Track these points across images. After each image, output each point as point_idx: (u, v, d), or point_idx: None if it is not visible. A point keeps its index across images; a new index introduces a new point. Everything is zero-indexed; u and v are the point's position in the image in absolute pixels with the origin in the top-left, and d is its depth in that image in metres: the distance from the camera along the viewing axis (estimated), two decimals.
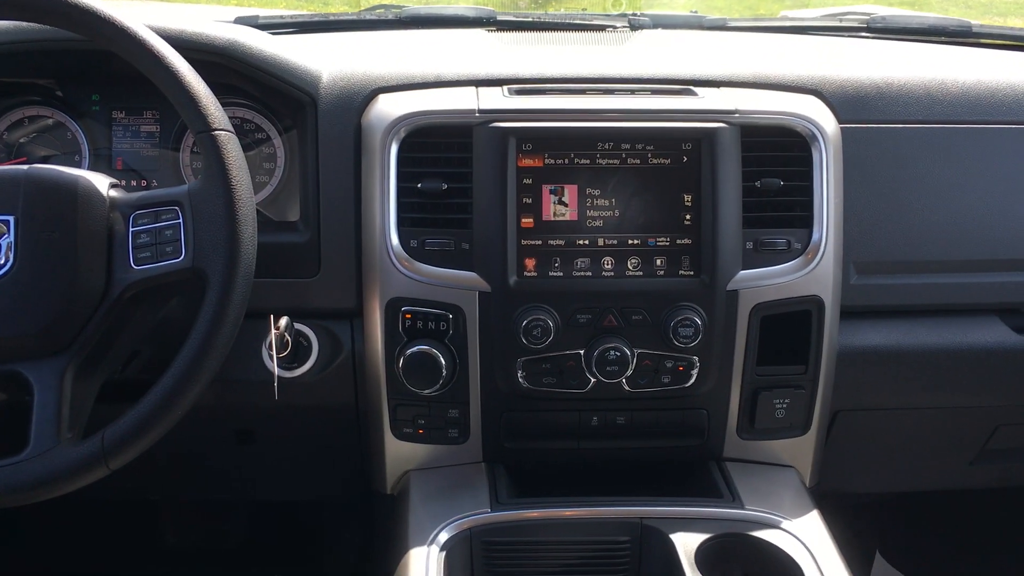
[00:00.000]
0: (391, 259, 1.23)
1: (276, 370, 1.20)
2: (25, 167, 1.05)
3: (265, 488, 1.61)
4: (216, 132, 1.03)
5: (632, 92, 1.30)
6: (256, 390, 1.26)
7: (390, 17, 1.77)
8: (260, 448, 1.49)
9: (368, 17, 1.78)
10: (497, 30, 1.74)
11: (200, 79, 1.05)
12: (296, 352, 1.29)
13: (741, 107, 1.24)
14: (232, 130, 1.05)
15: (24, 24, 1.25)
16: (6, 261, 1.00)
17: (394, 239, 1.23)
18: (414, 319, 1.24)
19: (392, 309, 1.24)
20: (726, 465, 1.30)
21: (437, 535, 1.15)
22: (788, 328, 1.26)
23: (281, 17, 1.74)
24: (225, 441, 1.46)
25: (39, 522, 1.75)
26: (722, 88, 1.31)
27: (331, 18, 1.78)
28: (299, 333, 1.29)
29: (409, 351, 1.23)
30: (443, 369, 1.23)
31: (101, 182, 1.06)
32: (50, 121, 1.39)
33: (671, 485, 1.26)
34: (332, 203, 1.29)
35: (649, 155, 1.22)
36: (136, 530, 1.83)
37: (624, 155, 1.22)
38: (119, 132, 1.40)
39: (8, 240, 1.01)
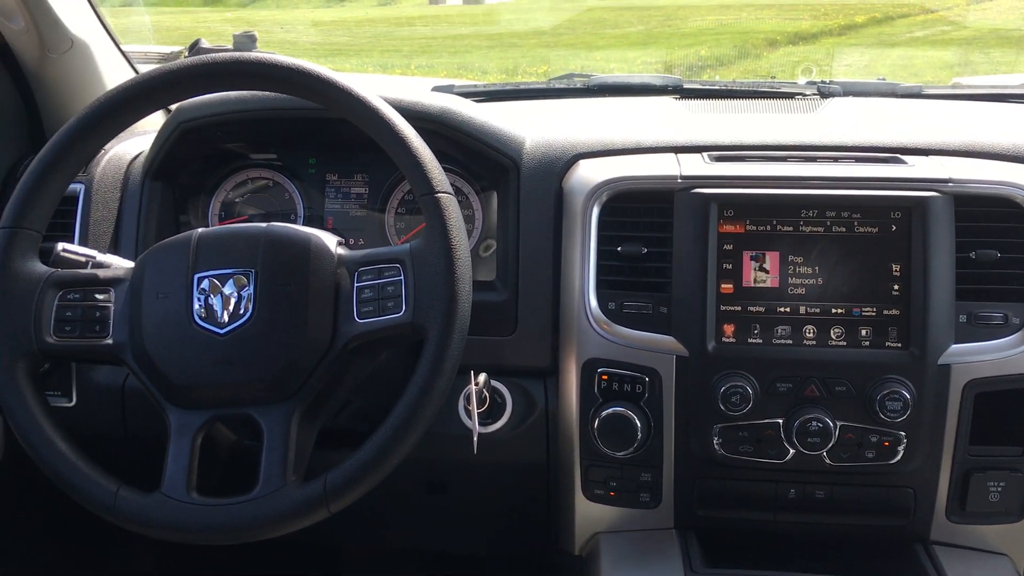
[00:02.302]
0: (589, 321, 1.25)
1: (476, 425, 1.23)
2: (264, 225, 1.13)
3: (450, 540, 1.64)
4: (439, 194, 1.08)
5: (835, 160, 1.29)
6: (452, 443, 1.29)
7: (578, 85, 1.82)
8: (450, 500, 1.52)
9: (556, 86, 1.85)
10: (682, 98, 1.76)
11: (425, 145, 1.11)
12: (490, 409, 1.33)
13: (955, 176, 1.20)
14: (453, 193, 1.10)
15: (250, 94, 1.37)
16: (246, 311, 1.08)
17: (593, 301, 1.25)
18: (610, 381, 1.25)
19: (588, 370, 1.25)
20: (934, 549, 1.23)
21: None
22: (1005, 407, 1.19)
23: (475, 86, 1.83)
24: (417, 492, 1.50)
25: (228, 562, 1.83)
26: (931, 156, 1.28)
27: (521, 87, 1.86)
28: (494, 390, 1.33)
29: (604, 412, 1.24)
30: (638, 432, 1.23)
31: (330, 240, 1.13)
32: (270, 183, 1.50)
33: (874, 566, 1.21)
34: (531, 264, 1.33)
35: (855, 223, 1.20)
36: (318, 574, 1.89)
37: (829, 223, 1.20)
38: (331, 193, 1.49)
39: (249, 292, 1.08)
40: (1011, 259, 1.20)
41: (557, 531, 1.37)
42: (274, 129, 1.44)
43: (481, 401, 1.27)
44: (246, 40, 2.39)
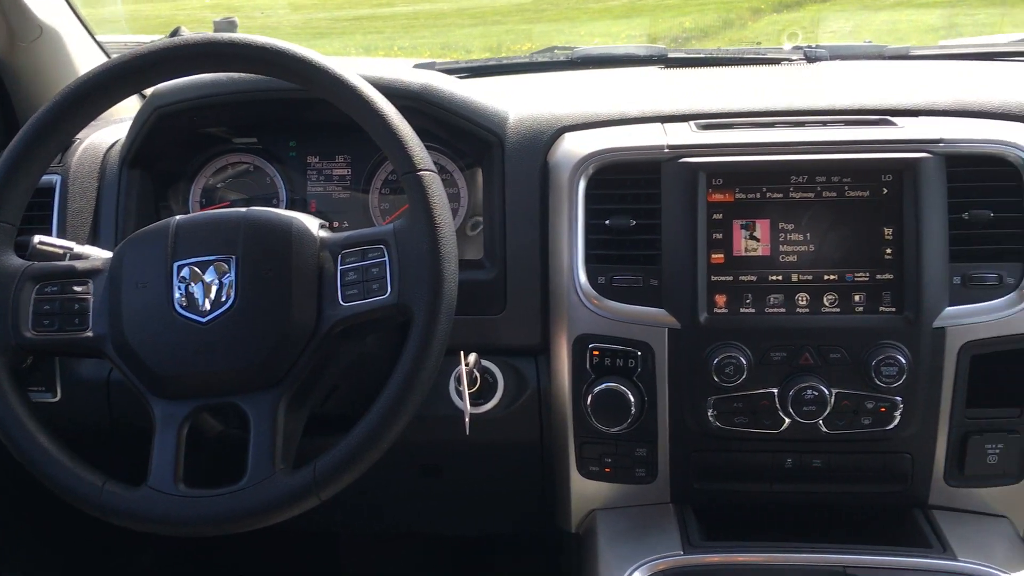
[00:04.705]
0: (579, 296, 1.23)
1: (468, 406, 1.21)
2: (243, 210, 1.11)
3: (447, 522, 1.63)
4: (421, 172, 1.06)
5: (824, 124, 1.27)
6: (443, 425, 1.28)
7: (561, 59, 1.80)
8: (445, 483, 1.51)
9: (539, 60, 1.82)
10: (667, 67, 1.74)
11: (406, 122, 1.08)
12: (482, 389, 1.31)
13: (946, 136, 1.19)
14: (435, 170, 1.08)
15: (230, 77, 1.34)
16: (227, 298, 1.06)
17: (582, 276, 1.23)
18: (602, 356, 1.23)
19: (580, 346, 1.24)
20: (933, 513, 1.23)
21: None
22: (1001, 368, 1.18)
23: (456, 63, 1.80)
24: (411, 475, 1.49)
25: (225, 552, 1.82)
26: (921, 117, 1.27)
27: (504, 62, 1.83)
28: (484, 370, 1.31)
29: (597, 388, 1.22)
30: (632, 407, 1.21)
31: (312, 223, 1.11)
32: (250, 168, 1.48)
33: (873, 533, 1.20)
34: (518, 241, 1.30)
35: (846, 188, 1.18)
36: (316, 560, 1.88)
37: (819, 188, 1.18)
38: (313, 176, 1.47)
39: (230, 279, 1.06)
40: (1004, 218, 1.18)
41: (553, 510, 1.35)
42: (252, 112, 1.41)
43: (472, 381, 1.26)
44: (226, 26, 2.35)
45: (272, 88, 1.30)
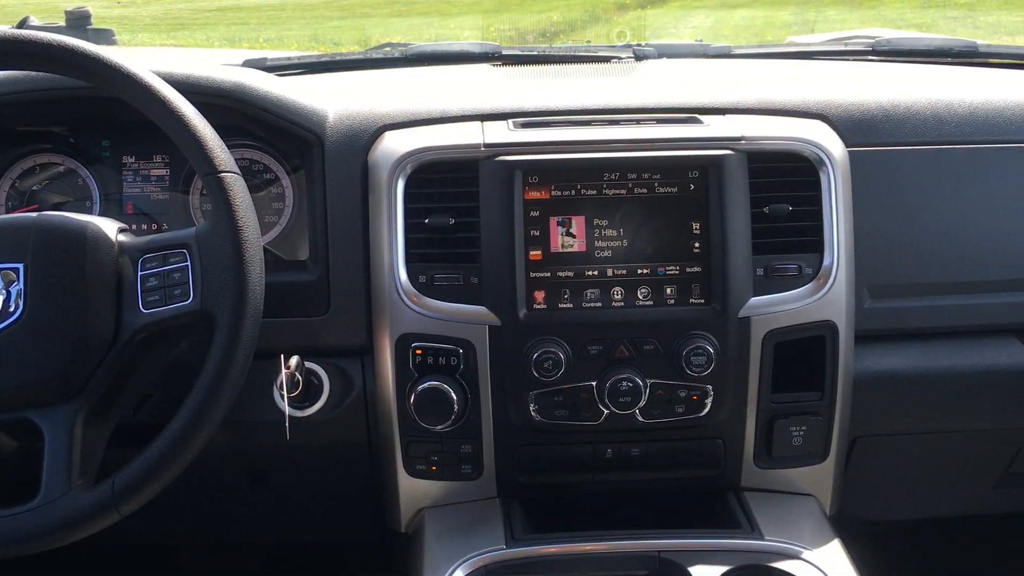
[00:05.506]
0: (400, 295, 1.23)
1: (287, 410, 1.19)
2: (34, 215, 1.06)
3: (282, 529, 1.60)
4: (222, 174, 1.03)
5: (637, 122, 1.30)
6: (268, 431, 1.25)
7: (396, 55, 1.79)
8: (275, 489, 1.48)
9: (374, 56, 1.80)
10: (502, 65, 1.75)
11: (205, 122, 1.06)
12: (307, 391, 1.29)
13: (747, 134, 1.24)
14: (238, 172, 1.05)
15: (34, 73, 1.27)
16: (16, 308, 1.01)
17: (403, 275, 1.23)
18: (424, 355, 1.23)
19: (402, 345, 1.23)
20: (744, 495, 1.28)
21: (452, 573, 1.14)
22: (802, 354, 1.25)
23: (289, 59, 1.77)
24: (239, 483, 1.45)
25: (54, 571, 1.74)
26: (727, 115, 1.32)
27: (338, 58, 1.81)
28: (310, 372, 1.29)
29: (420, 387, 1.22)
30: (455, 404, 1.22)
31: (110, 227, 1.06)
32: (61, 168, 1.41)
33: (689, 517, 1.24)
34: (340, 241, 1.29)
35: (656, 184, 1.22)
36: (152, 575, 1.82)
37: (631, 185, 1.22)
38: (129, 177, 1.41)
39: (18, 287, 1.01)
40: (802, 212, 1.24)
41: (384, 511, 1.35)
42: (55, 111, 1.34)
43: (294, 385, 1.24)
44: (79, 16, 2.23)
45: (71, 86, 1.25)
